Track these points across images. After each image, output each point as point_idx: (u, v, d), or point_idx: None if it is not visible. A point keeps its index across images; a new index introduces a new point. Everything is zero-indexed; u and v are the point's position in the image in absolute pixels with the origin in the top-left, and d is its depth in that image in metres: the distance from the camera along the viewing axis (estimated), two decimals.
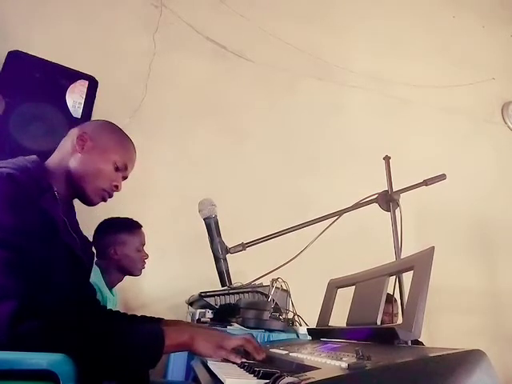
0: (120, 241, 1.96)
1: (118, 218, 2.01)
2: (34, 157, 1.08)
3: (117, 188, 1.17)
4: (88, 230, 1.25)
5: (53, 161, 1.14)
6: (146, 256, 2.03)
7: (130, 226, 2.01)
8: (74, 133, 1.17)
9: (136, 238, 2.00)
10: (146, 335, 0.92)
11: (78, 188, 1.13)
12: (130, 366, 0.89)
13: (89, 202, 1.15)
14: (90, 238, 1.35)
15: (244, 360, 0.93)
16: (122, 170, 1.18)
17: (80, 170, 1.12)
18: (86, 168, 1.12)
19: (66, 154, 1.14)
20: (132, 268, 1.98)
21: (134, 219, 2.05)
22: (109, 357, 0.87)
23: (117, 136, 1.20)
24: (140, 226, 2.04)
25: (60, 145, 1.17)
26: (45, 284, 0.88)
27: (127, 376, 0.96)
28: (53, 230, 0.98)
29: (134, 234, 2.00)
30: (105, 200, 1.17)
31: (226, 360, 0.96)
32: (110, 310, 1.43)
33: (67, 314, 0.89)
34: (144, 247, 2.03)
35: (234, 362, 0.94)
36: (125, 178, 1.21)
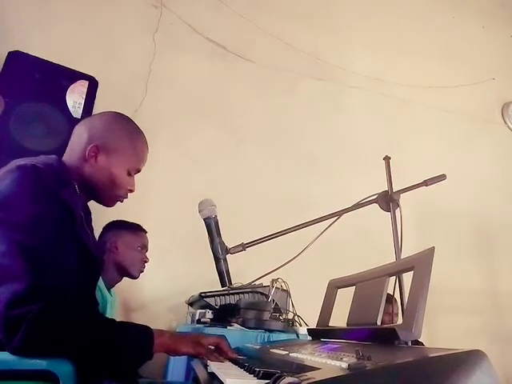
0: (122, 237, 1.98)
1: (125, 220, 2.03)
2: (54, 156, 1.12)
3: (131, 191, 1.21)
4: None
5: (69, 163, 1.14)
6: (147, 259, 2.04)
7: (134, 227, 2.04)
8: (83, 137, 1.15)
9: (138, 238, 2.03)
10: (138, 331, 0.97)
11: (95, 195, 1.17)
12: (121, 358, 0.92)
13: (105, 205, 1.21)
14: None
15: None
16: (136, 173, 1.21)
17: (96, 181, 1.14)
18: (101, 179, 1.14)
19: (80, 160, 1.13)
20: (130, 268, 1.98)
21: (134, 220, 2.06)
22: (101, 350, 0.89)
23: (127, 141, 1.17)
24: (144, 231, 2.06)
25: (70, 146, 1.17)
26: (52, 272, 0.89)
27: (117, 369, 0.99)
28: (70, 221, 1.00)
29: (136, 234, 2.03)
30: (121, 201, 1.22)
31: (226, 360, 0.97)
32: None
33: (68, 303, 0.90)
34: (147, 253, 2.05)
35: (234, 360, 0.95)
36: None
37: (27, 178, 0.94)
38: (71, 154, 1.15)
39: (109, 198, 1.17)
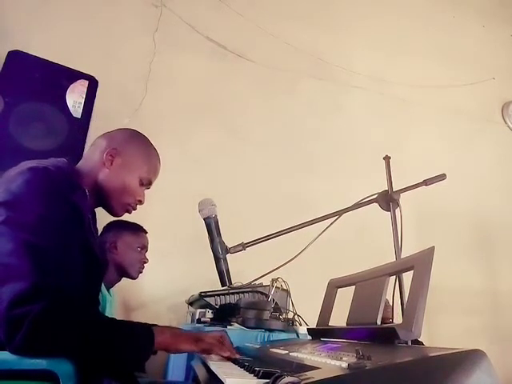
0: (122, 237, 1.98)
1: (126, 220, 2.03)
2: (64, 159, 1.14)
3: (140, 202, 1.23)
4: None
5: (82, 168, 1.17)
6: (146, 260, 2.04)
7: (134, 228, 2.04)
8: (102, 145, 1.19)
9: (138, 238, 2.02)
10: (139, 330, 0.98)
11: (105, 201, 1.18)
12: (121, 358, 0.93)
13: (114, 214, 1.22)
14: None
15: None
16: (147, 184, 1.24)
17: (108, 185, 1.16)
18: (113, 184, 1.16)
19: (96, 165, 1.17)
20: (129, 268, 1.98)
21: (134, 220, 2.06)
22: (102, 349, 0.90)
23: (143, 152, 1.23)
24: (145, 231, 2.06)
25: (87, 153, 1.22)
26: (57, 272, 0.90)
27: (118, 368, 1.00)
28: (78, 224, 1.02)
29: (136, 234, 2.03)
30: (129, 212, 1.24)
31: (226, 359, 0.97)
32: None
33: (70, 304, 0.91)
34: (146, 254, 2.04)
35: (234, 360, 0.95)
36: (148, 188, 1.27)
37: (38, 179, 0.96)
38: (87, 160, 1.19)
39: (118, 205, 1.19)
